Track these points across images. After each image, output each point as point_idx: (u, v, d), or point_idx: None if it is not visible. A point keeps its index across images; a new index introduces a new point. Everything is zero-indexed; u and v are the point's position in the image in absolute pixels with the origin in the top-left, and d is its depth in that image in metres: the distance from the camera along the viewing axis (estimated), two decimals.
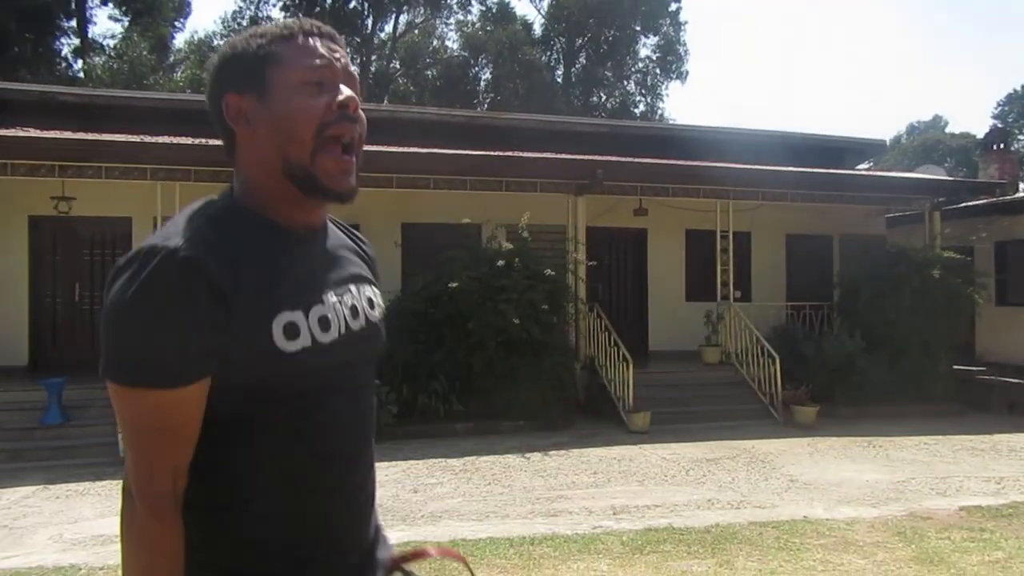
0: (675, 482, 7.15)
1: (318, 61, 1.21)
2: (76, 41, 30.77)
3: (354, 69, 1.26)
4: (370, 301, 1.31)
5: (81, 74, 28.98)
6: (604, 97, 37.44)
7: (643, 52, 37.42)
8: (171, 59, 32.84)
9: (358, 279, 1.31)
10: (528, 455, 8.26)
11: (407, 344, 9.54)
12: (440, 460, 8.00)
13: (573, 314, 10.67)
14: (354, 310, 1.25)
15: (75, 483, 7.18)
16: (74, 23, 30.50)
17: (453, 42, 38.15)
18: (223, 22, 34.75)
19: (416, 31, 37.43)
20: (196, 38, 34.28)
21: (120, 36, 31.24)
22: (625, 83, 37.88)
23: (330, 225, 1.33)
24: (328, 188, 1.19)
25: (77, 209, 10.19)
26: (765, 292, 13.55)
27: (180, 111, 12.23)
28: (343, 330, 1.21)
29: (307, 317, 1.16)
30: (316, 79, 1.19)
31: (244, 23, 34.39)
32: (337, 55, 1.23)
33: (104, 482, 7.21)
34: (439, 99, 31.81)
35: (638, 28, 36.27)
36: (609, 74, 37.05)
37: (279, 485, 1.15)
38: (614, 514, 6.01)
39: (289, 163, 1.18)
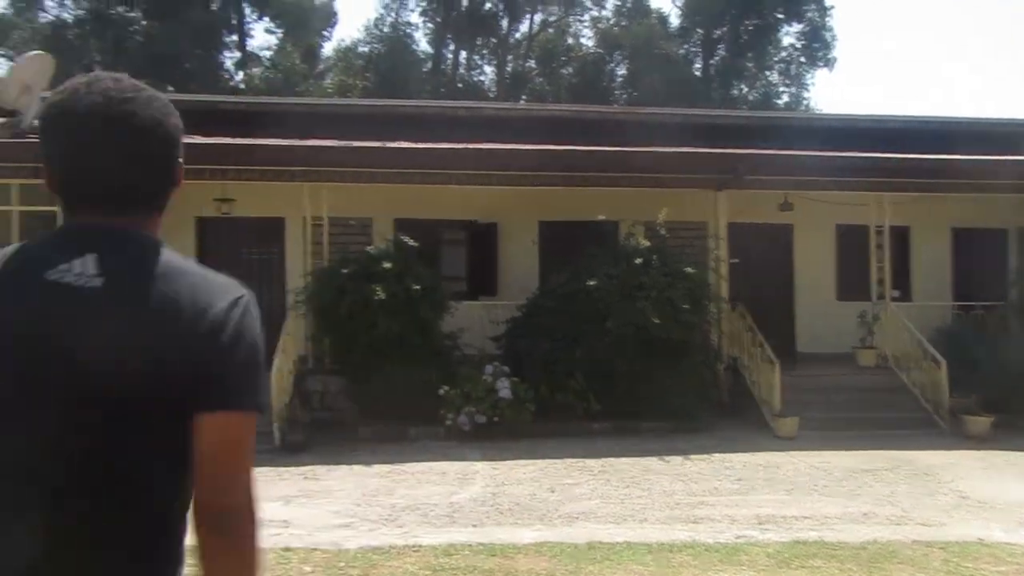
0: (826, 493, 6.75)
1: None
2: (237, 55, 32.93)
3: None
4: None
5: (242, 84, 30.96)
6: (745, 89, 36.14)
7: (786, 40, 35.85)
8: (320, 67, 34.48)
9: None
10: (668, 458, 8.04)
11: (545, 341, 9.52)
12: (578, 460, 7.92)
13: (715, 313, 10.32)
14: None
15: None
16: (235, 38, 32.65)
17: (588, 39, 37.97)
18: (366, 29, 36.09)
19: (551, 30, 37.51)
20: (342, 46, 35.78)
21: (275, 48, 33.15)
22: (767, 74, 36.41)
23: None
24: None
25: (237, 210, 10.83)
26: (927, 291, 12.61)
27: (329, 115, 12.79)
28: None
29: None
30: None
31: (386, 29, 35.60)
32: None
33: (261, 468, 7.55)
34: (575, 97, 31.72)
35: (781, 16, 34.75)
36: (751, 65, 35.72)
37: None
38: (759, 524, 5.73)
39: None
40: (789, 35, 35.73)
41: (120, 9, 29.51)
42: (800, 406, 9.49)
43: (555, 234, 11.79)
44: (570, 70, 36.57)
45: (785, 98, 35.98)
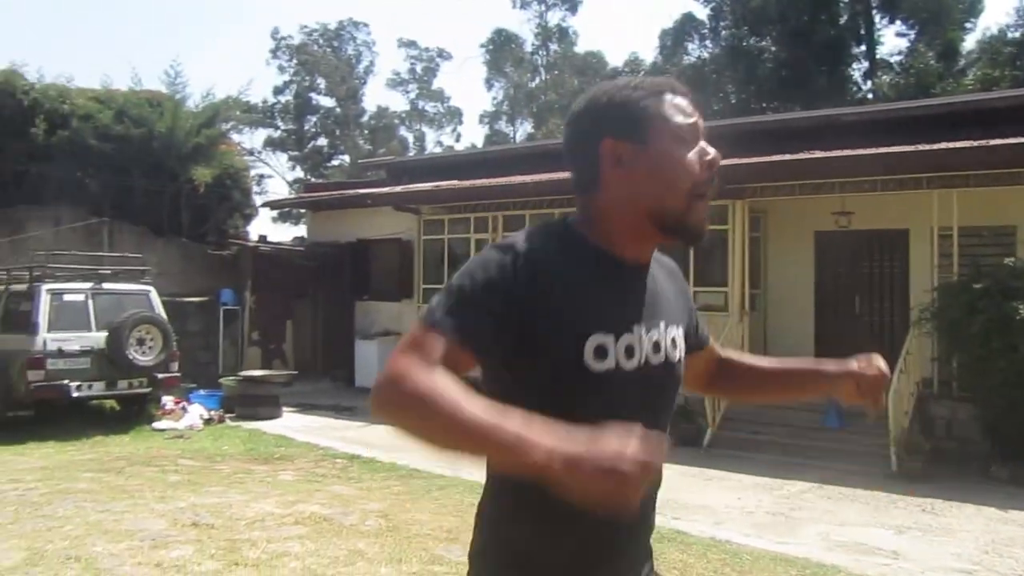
0: None
1: (688, 120, 1.36)
2: (865, 65, 32.10)
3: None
4: (674, 341, 1.42)
5: (870, 95, 30.06)
6: None
7: None
8: (961, 63, 31.26)
9: (670, 318, 1.43)
10: None
11: None
12: None
13: None
14: (656, 346, 1.37)
15: (845, 487, 7.41)
16: (863, 48, 31.87)
17: None
18: (1018, 12, 31.38)
19: None
20: (987, 35, 31.81)
21: (906, 51, 31.33)
22: None
23: (656, 260, 1.47)
24: (696, 234, 1.38)
25: (856, 223, 10.55)
26: None
27: (963, 112, 11.53)
28: (643, 362, 1.34)
29: (616, 342, 1.31)
30: (687, 136, 1.35)
31: None
32: (696, 113, 1.39)
33: (872, 492, 7.24)
34: None
35: None
36: None
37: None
38: None
39: (664, 208, 1.35)
40: None
41: (752, 40, 31.57)
42: None
43: None
44: None
45: None
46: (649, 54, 39.86)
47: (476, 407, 1.11)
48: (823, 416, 9.09)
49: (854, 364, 1.59)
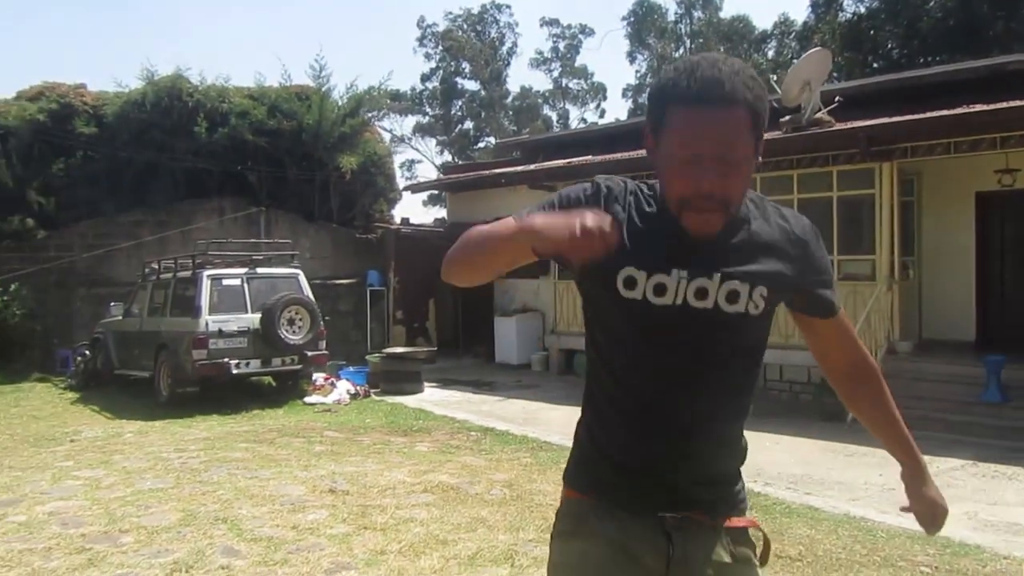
0: None
1: (690, 142, 1.37)
2: None
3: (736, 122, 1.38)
4: (733, 294, 1.49)
5: None
6: None
7: None
8: None
9: (736, 273, 1.49)
10: None
11: None
12: None
13: None
14: (701, 292, 1.48)
15: (1002, 465, 6.86)
16: None
17: None
18: None
19: None
20: None
21: None
22: None
23: (764, 220, 1.56)
24: (688, 231, 1.46)
25: (1021, 181, 9.61)
26: None
27: None
28: (679, 302, 1.48)
29: (647, 279, 1.47)
30: (688, 156, 1.38)
31: None
32: (713, 128, 1.36)
33: None
34: None
35: None
36: None
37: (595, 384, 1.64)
38: None
39: (665, 198, 1.49)
40: None
41: None
42: None
43: None
44: None
45: None
46: (800, 14, 37.79)
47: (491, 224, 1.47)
48: (983, 390, 8.41)
49: (917, 506, 1.72)
